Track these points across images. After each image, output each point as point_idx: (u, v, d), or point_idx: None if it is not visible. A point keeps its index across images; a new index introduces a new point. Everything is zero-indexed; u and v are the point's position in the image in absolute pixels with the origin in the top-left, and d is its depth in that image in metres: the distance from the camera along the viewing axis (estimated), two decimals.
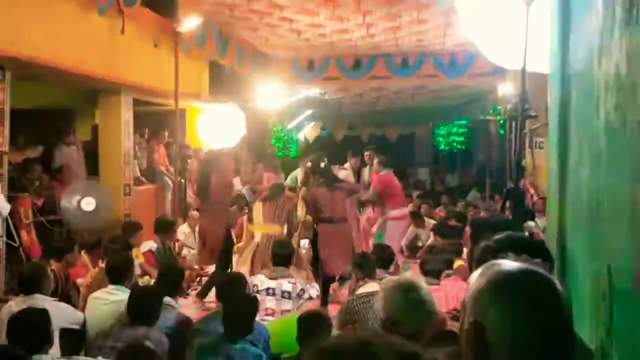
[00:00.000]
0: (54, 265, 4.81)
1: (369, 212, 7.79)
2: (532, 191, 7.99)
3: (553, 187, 2.60)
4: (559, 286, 1.13)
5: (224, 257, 6.34)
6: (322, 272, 6.25)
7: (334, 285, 6.56)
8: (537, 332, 1.08)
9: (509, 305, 1.10)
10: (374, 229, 7.52)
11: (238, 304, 3.39)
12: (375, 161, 7.69)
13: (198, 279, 7.17)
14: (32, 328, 3.03)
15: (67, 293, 4.90)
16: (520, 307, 1.09)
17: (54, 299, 4.14)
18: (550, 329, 1.08)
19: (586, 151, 1.97)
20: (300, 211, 7.04)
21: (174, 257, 7.03)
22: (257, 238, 6.25)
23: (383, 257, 4.84)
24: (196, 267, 7.27)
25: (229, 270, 6.35)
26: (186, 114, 10.02)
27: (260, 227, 6.29)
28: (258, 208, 6.43)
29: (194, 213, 8.06)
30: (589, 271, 1.90)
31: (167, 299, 3.90)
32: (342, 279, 6.63)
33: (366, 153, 8.28)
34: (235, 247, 7.50)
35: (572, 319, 1.14)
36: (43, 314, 3.14)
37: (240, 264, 6.24)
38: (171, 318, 3.79)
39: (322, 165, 6.59)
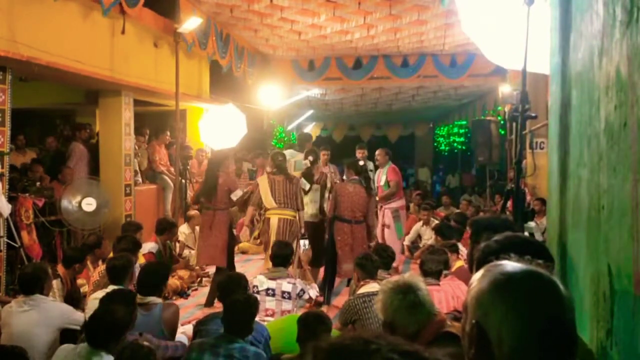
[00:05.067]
0: (60, 270, 4.81)
1: None
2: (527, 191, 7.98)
3: (553, 187, 2.60)
4: (562, 288, 1.13)
5: (227, 256, 6.32)
6: (336, 271, 6.25)
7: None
8: (539, 334, 1.07)
9: (512, 307, 1.09)
10: (388, 221, 7.55)
11: (238, 305, 3.38)
12: (380, 154, 7.69)
13: (198, 279, 7.16)
14: (111, 326, 3.06)
15: (72, 296, 4.90)
16: (523, 309, 1.09)
17: (53, 299, 4.14)
18: (553, 330, 1.08)
19: (586, 151, 1.97)
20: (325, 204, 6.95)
21: (173, 257, 7.02)
22: (274, 223, 6.13)
23: (385, 258, 4.85)
24: (197, 267, 7.26)
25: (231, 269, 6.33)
26: (187, 114, 10.04)
27: (276, 212, 6.19)
28: (264, 181, 6.28)
29: (195, 212, 8.03)
30: (589, 271, 1.90)
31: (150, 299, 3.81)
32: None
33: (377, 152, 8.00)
34: (236, 247, 7.48)
35: (575, 320, 1.14)
36: (127, 312, 3.16)
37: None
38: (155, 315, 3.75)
39: (361, 163, 6.58)
